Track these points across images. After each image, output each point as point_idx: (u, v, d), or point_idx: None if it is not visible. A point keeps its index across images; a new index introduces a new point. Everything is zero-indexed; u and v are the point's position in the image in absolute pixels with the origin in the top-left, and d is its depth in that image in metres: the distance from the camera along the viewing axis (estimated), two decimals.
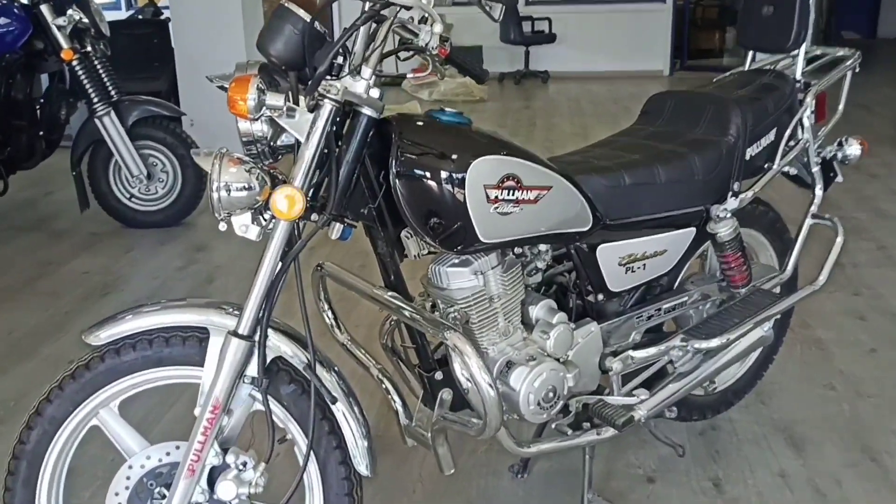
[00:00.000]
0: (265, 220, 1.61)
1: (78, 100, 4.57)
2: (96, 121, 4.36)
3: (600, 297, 2.06)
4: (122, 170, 4.52)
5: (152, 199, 4.63)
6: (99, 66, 4.38)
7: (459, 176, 1.67)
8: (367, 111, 1.64)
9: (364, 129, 1.66)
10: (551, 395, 1.91)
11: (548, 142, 6.76)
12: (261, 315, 1.62)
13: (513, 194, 1.74)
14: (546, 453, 1.98)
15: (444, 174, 1.67)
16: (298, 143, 1.61)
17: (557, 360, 1.95)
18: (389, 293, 1.84)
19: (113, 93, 4.44)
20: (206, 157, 1.55)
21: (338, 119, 1.63)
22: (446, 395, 1.96)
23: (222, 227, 1.57)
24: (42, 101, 4.63)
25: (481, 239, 1.74)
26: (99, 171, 4.61)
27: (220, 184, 1.53)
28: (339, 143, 1.66)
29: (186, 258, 4.17)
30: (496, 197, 1.72)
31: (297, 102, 1.61)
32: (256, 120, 1.55)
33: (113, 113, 4.38)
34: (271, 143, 1.65)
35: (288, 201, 1.55)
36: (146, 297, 3.73)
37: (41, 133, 4.63)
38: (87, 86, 4.33)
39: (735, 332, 2.10)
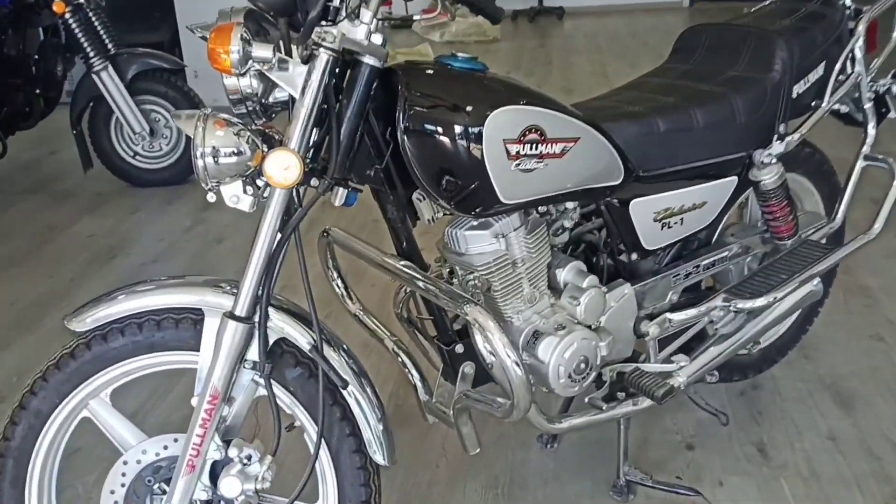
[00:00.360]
0: (259, 188, 1.43)
1: (74, 55, 4.37)
2: (94, 76, 4.16)
3: (634, 256, 1.88)
4: (123, 127, 4.34)
5: (156, 156, 4.45)
6: (94, 18, 4.17)
7: (476, 130, 1.49)
8: (368, 60, 1.45)
9: (366, 80, 1.47)
10: (583, 366, 1.75)
11: (566, 82, 6.49)
12: (260, 294, 1.46)
13: (536, 148, 1.55)
14: (578, 428, 1.82)
15: (458, 129, 1.48)
16: (293, 99, 1.43)
17: (589, 327, 1.79)
18: (402, 262, 1.66)
19: (110, 46, 4.23)
20: (189, 119, 1.37)
21: (336, 70, 1.44)
22: (468, 369, 1.80)
23: (210, 197, 1.40)
24: (37, 57, 4.44)
25: (502, 200, 1.55)
26: (100, 129, 4.43)
27: (204, 149, 1.35)
28: (339, 98, 1.48)
29: (194, 217, 4.01)
30: (517, 152, 1.53)
31: (289, 53, 1.42)
32: (243, 75, 1.36)
33: (111, 67, 4.18)
34: (263, 101, 1.46)
35: (284, 167, 1.37)
36: (153, 261, 3.59)
37: (38, 91, 4.45)
38: (82, 39, 4.12)
39: (782, 289, 1.91)
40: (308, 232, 1.46)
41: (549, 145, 1.57)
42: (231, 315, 1.44)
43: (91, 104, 4.34)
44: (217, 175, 1.37)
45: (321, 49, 1.39)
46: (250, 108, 1.45)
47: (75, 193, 4.46)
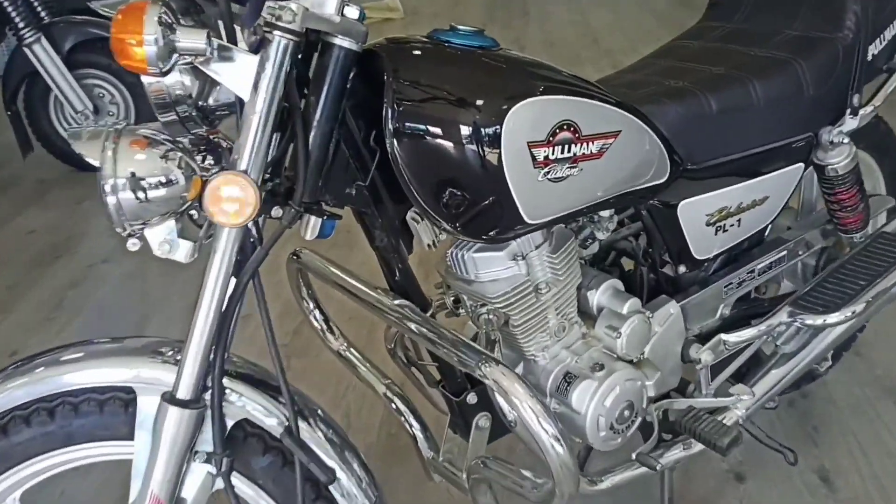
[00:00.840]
0: (200, 227, 1.05)
1: (2, 26, 3.89)
2: (25, 50, 3.70)
3: (681, 268, 1.52)
4: (63, 105, 3.89)
5: None
6: None
7: (490, 131, 1.11)
8: (342, 42, 1.06)
9: (341, 69, 1.08)
10: (627, 412, 1.40)
11: (545, 34, 6.07)
12: (211, 363, 1.08)
13: (569, 150, 1.18)
14: (621, 485, 1.47)
15: (466, 130, 1.11)
16: (241, 101, 1.04)
17: (631, 361, 1.43)
18: (396, 301, 1.29)
19: (43, 14, 3.76)
20: (92, 139, 0.97)
21: (299, 57, 1.05)
22: (483, 421, 1.44)
23: (132, 245, 1.01)
24: None
25: (526, 220, 1.18)
26: (38, 109, 3.97)
27: (117, 181, 0.96)
28: (305, 94, 1.09)
29: None
30: (546, 157, 1.15)
31: (232, 39, 1.02)
32: (165, 73, 0.96)
33: (44, 39, 3.71)
34: (200, 103, 1.07)
35: (232, 197, 0.98)
36: (103, 261, 3.17)
37: None
38: (9, 8, 3.64)
39: (862, 299, 1.56)
40: (272, 254, 1.08)
41: (584, 144, 1.19)
42: (171, 399, 1.06)
43: (25, 81, 3.87)
44: (138, 215, 0.98)
45: (276, 32, 1.00)
46: (183, 115, 1.06)
47: (14, 182, 4.01)
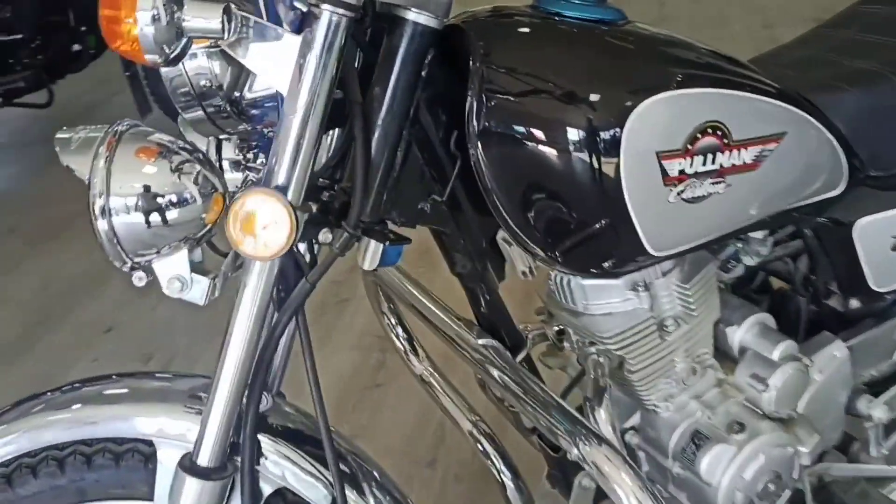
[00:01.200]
0: (224, 255, 0.83)
1: None
2: None
3: (853, 302, 1.19)
4: None
5: None
6: None
7: (607, 136, 0.83)
8: (417, 16, 0.81)
9: (415, 51, 0.84)
10: (772, 486, 1.10)
11: None
12: (243, 418, 0.87)
13: (714, 161, 0.88)
14: None
15: (573, 133, 0.83)
16: (281, 96, 0.80)
17: (781, 419, 1.13)
18: (482, 340, 1.04)
19: None
20: (82, 147, 0.76)
21: (354, 37, 0.81)
22: (587, 481, 1.17)
23: (138, 280, 0.80)
24: None
25: (650, 251, 0.90)
26: (156, 70, 3.90)
27: (109, 202, 0.75)
28: (368, 86, 0.85)
29: None
30: (682, 171, 0.87)
31: (266, 14, 0.79)
32: (172, 63, 0.74)
33: None
34: (235, 95, 0.84)
35: (262, 223, 0.76)
36: None
37: (86, 28, 3.94)
38: None
39: None
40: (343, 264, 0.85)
41: (734, 153, 0.90)
42: (191, 466, 0.86)
43: None
44: (141, 245, 0.77)
45: (325, 4, 0.75)
46: (213, 111, 0.84)
47: None
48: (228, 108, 0.83)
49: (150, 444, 0.92)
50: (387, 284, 1.20)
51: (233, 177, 0.95)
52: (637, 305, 1.04)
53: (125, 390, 0.96)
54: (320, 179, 0.90)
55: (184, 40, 0.71)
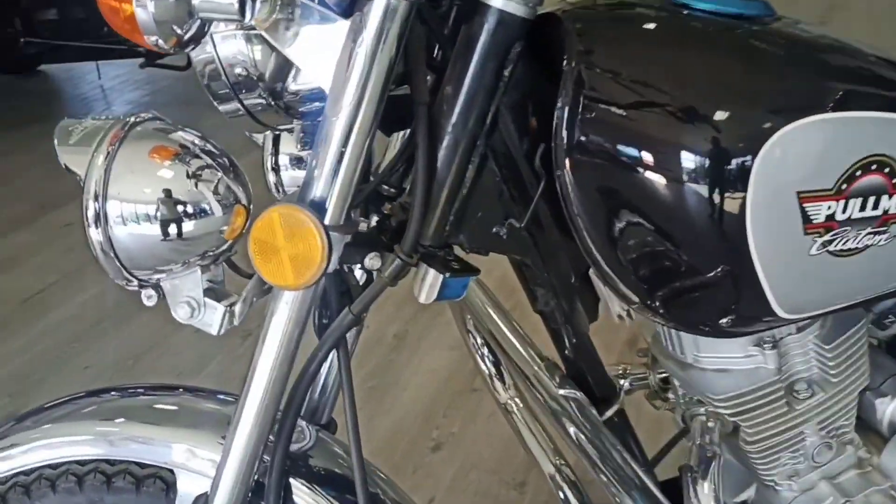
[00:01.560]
0: (248, 276, 0.70)
1: None
2: None
3: None
4: None
5: None
6: None
7: (734, 164, 0.65)
8: (502, 2, 0.65)
9: (498, 44, 0.68)
10: None
11: None
12: (269, 470, 0.75)
13: (876, 205, 0.68)
14: None
15: (688, 159, 0.65)
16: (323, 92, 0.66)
17: None
18: (562, 390, 0.87)
19: None
20: (84, 140, 0.64)
21: (437, 20, 0.67)
22: None
23: (147, 300, 0.68)
24: None
25: (779, 313, 0.71)
26: None
27: (108, 207, 0.63)
28: (437, 86, 0.70)
29: None
30: (831, 217, 0.67)
31: None
32: (187, 44, 0.60)
33: None
34: (276, 87, 0.71)
35: (293, 247, 0.63)
36: None
37: None
38: None
39: None
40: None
41: None
42: None
43: None
44: (149, 260, 0.65)
45: None
46: (252, 104, 0.71)
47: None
48: (270, 102, 0.70)
49: (172, 471, 0.82)
50: (474, 314, 1.05)
51: (293, 175, 0.82)
52: (761, 364, 0.85)
53: (156, 407, 0.86)
54: (384, 187, 0.76)
55: (197, 20, 0.58)
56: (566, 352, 0.87)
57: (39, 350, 2.23)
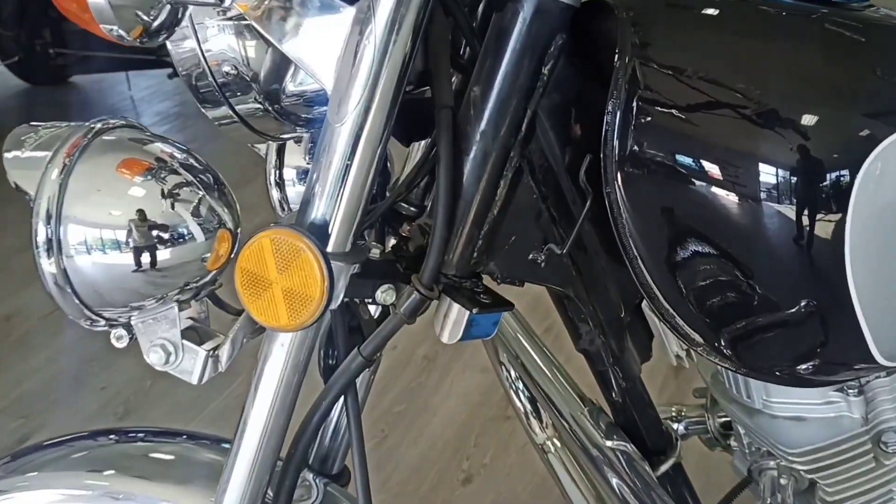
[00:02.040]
0: (235, 314, 0.59)
1: None
2: None
3: None
4: None
5: None
6: None
7: (830, 182, 0.53)
8: None
9: (536, 37, 0.57)
10: None
11: None
12: None
13: None
14: None
15: (772, 173, 0.53)
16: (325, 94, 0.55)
17: None
18: (610, 441, 0.75)
19: None
20: (34, 149, 0.54)
21: (464, 10, 0.57)
22: None
23: (117, 341, 0.57)
24: None
25: (881, 360, 0.58)
26: None
27: (61, 232, 0.53)
28: (466, 86, 0.59)
29: None
30: None
31: None
32: (155, 33, 0.50)
33: None
34: (271, 88, 0.60)
35: (287, 280, 0.52)
36: None
37: None
38: None
39: None
40: None
41: None
42: None
43: None
44: (114, 295, 0.54)
45: None
46: (244, 108, 0.60)
47: None
48: (267, 106, 0.59)
49: None
50: (508, 345, 0.93)
51: (301, 190, 0.72)
52: (844, 412, 0.74)
53: (152, 456, 0.76)
54: (402, 205, 0.65)
55: (166, 6, 0.47)
56: (614, 396, 0.75)
57: (57, 369, 2.16)
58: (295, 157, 0.73)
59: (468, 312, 0.60)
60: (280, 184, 0.73)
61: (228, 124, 0.60)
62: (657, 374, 1.75)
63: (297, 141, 0.73)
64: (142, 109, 4.30)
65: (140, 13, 0.46)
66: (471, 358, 1.95)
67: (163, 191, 0.52)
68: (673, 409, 0.89)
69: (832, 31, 0.57)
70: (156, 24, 0.47)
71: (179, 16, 0.49)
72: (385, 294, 0.60)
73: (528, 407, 1.06)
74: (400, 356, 1.99)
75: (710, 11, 0.58)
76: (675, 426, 0.87)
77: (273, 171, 0.73)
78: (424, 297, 0.58)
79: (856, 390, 0.73)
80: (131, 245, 0.52)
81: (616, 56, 0.56)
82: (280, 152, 0.73)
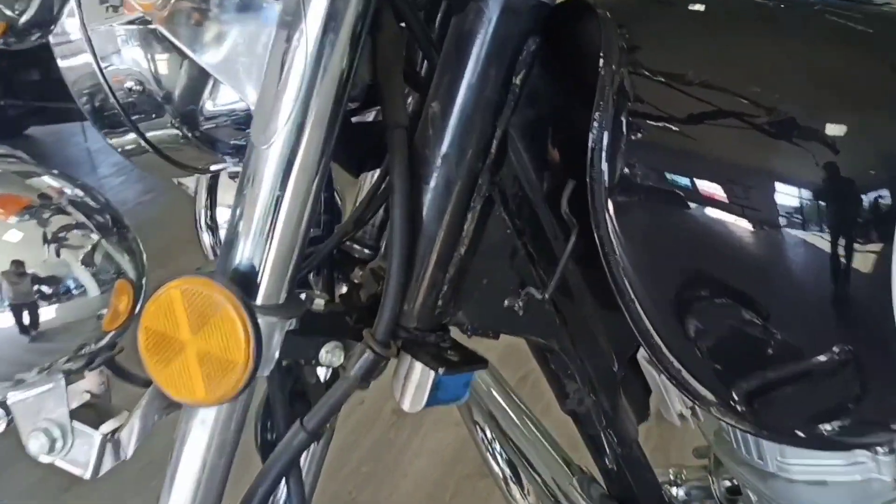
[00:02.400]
0: (143, 385, 0.48)
1: None
2: None
3: None
4: None
5: None
6: None
7: (866, 205, 0.43)
8: None
9: (504, 42, 0.48)
10: None
11: None
12: None
13: None
14: None
15: (796, 195, 0.44)
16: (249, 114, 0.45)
17: None
18: None
19: None
20: None
21: (416, 12, 0.47)
22: None
23: None
24: None
25: None
26: None
27: None
28: (424, 98, 0.49)
29: None
30: None
31: None
32: (33, 33, 0.40)
33: None
34: (187, 109, 0.50)
35: (202, 342, 0.41)
36: None
37: None
38: None
39: None
40: None
41: None
42: None
43: None
44: None
45: None
46: (155, 134, 0.50)
47: None
48: (185, 132, 0.49)
49: None
50: (482, 401, 0.83)
51: None
52: (873, 475, 0.64)
53: None
54: (355, 245, 0.55)
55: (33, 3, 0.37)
56: (607, 463, 0.65)
57: None
58: (229, 194, 0.63)
59: (433, 373, 0.50)
60: (212, 227, 0.63)
61: (139, 154, 0.50)
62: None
63: (233, 175, 0.63)
64: (99, 160, 4.18)
65: (2, 7, 0.36)
66: (444, 411, 1.84)
67: (45, 234, 0.42)
68: (671, 471, 0.79)
69: (857, 30, 0.48)
70: (23, 19, 0.37)
71: (55, 12, 0.39)
72: (331, 354, 0.49)
73: (507, 471, 0.95)
74: (368, 410, 1.86)
75: (707, 7, 0.49)
76: (675, 491, 0.77)
77: (203, 211, 0.63)
78: (379, 357, 0.48)
79: (886, 448, 0.63)
80: (6, 302, 0.41)
81: (601, 62, 0.47)
82: (212, 189, 0.63)
